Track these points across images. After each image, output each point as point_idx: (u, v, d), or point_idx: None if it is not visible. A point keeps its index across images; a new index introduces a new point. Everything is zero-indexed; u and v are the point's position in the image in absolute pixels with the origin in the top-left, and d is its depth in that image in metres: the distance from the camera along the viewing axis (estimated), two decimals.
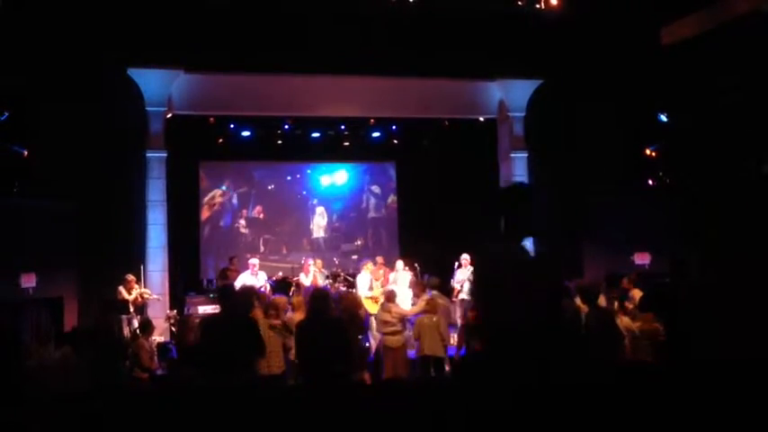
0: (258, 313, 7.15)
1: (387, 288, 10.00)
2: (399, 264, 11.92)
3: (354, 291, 10.97)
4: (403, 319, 8.66)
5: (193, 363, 6.18)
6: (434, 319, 8.47)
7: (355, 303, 8.40)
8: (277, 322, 7.31)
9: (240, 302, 6.23)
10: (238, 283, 11.31)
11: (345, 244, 15.12)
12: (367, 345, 9.10)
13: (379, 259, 12.46)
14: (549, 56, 12.85)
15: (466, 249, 12.04)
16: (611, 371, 6.31)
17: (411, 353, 8.82)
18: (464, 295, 11.39)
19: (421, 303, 8.94)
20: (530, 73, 13.25)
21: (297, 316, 7.63)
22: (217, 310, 10.96)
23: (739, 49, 10.71)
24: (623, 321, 7.79)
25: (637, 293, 9.64)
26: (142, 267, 11.44)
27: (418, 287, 10.00)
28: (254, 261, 11.88)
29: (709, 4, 11.20)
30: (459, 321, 10.49)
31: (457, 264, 11.80)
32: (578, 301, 8.35)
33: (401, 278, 11.41)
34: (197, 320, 9.59)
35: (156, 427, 5.48)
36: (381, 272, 12.03)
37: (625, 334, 7.50)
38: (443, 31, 12.21)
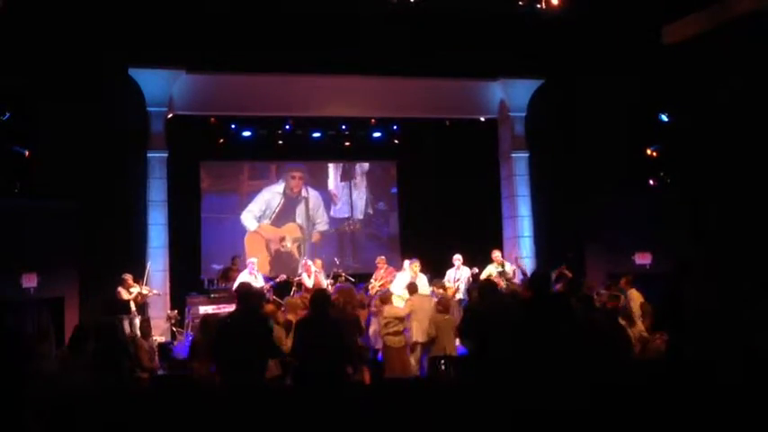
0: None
1: (386, 289, 10.01)
2: (406, 263, 11.91)
3: (352, 287, 10.87)
4: (403, 320, 8.64)
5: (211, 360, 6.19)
6: (447, 317, 8.47)
7: (353, 302, 8.37)
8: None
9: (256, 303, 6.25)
10: (237, 283, 11.32)
11: (346, 244, 15.11)
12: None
13: (380, 259, 12.48)
14: (550, 56, 12.85)
15: (465, 249, 12.08)
16: (620, 371, 6.31)
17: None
18: (460, 295, 11.39)
19: (407, 304, 8.94)
20: (531, 73, 13.28)
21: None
22: (218, 310, 11.08)
23: (740, 48, 10.70)
24: None
25: (633, 294, 9.64)
26: (148, 267, 11.45)
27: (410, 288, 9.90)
28: (253, 260, 11.87)
29: (710, 3, 11.19)
30: None
31: (457, 265, 11.78)
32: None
33: (406, 278, 11.38)
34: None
35: (156, 427, 5.48)
36: (383, 272, 12.03)
37: None
38: (444, 31, 12.22)
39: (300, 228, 14.76)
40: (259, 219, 14.55)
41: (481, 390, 5.74)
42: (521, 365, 5.50)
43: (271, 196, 14.68)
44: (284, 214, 14.71)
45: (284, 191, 14.73)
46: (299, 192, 14.81)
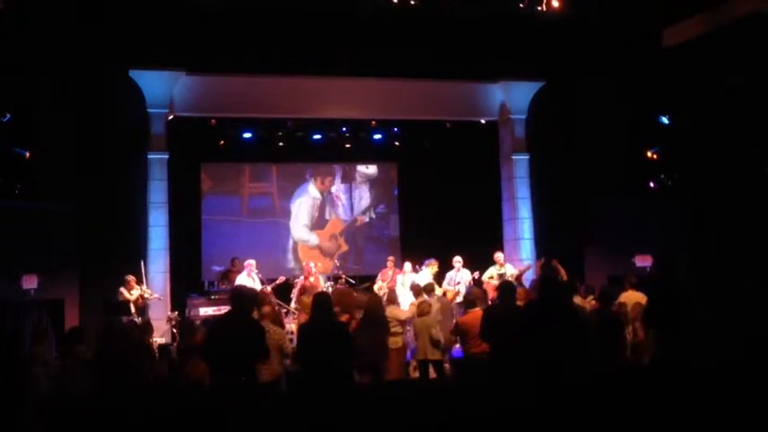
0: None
1: (390, 289, 9.98)
2: (407, 266, 11.92)
3: (350, 289, 10.87)
4: (402, 322, 8.61)
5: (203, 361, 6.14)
6: (427, 321, 8.38)
7: (378, 305, 8.32)
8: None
9: (249, 305, 6.16)
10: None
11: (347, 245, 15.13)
12: None
13: (390, 259, 12.50)
14: (551, 58, 12.86)
15: (465, 252, 12.07)
16: (613, 370, 6.31)
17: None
18: (461, 298, 11.36)
19: (411, 308, 8.91)
20: (531, 75, 13.26)
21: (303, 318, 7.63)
22: (218, 312, 11.06)
23: (740, 50, 10.71)
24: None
25: (632, 295, 9.59)
26: (143, 268, 11.44)
27: (414, 290, 9.90)
28: (251, 261, 11.84)
29: (710, 6, 11.21)
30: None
31: (457, 267, 11.77)
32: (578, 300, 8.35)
33: (408, 280, 11.40)
34: (198, 323, 9.61)
35: (156, 427, 5.48)
36: (390, 272, 12.04)
37: None
38: (445, 32, 12.22)
39: (340, 221, 15.05)
40: (311, 228, 14.78)
41: (484, 391, 5.72)
42: (526, 366, 5.50)
43: (311, 202, 14.88)
44: (321, 214, 14.99)
45: (320, 192, 14.93)
46: (329, 188, 15.07)
